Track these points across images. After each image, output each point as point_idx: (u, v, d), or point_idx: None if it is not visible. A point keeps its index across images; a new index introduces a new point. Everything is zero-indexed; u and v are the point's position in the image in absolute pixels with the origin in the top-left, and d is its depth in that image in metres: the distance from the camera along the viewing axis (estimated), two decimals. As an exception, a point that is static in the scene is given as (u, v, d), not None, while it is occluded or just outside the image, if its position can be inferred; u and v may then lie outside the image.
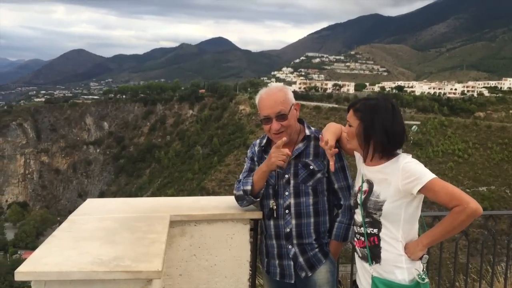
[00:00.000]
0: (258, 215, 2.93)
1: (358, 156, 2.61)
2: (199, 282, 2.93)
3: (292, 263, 2.77)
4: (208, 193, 65.56)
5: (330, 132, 2.74)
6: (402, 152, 2.38)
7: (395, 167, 2.31)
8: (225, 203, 3.06)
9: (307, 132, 2.83)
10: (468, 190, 59.81)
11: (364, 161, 2.44)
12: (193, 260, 2.92)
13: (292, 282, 2.80)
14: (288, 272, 2.79)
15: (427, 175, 2.22)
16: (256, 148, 2.97)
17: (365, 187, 2.43)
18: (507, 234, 4.12)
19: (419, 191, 2.23)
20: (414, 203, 2.31)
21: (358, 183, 2.52)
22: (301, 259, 2.76)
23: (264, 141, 2.90)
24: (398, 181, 2.26)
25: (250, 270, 3.03)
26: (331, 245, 2.79)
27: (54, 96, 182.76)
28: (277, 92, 2.78)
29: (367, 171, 2.45)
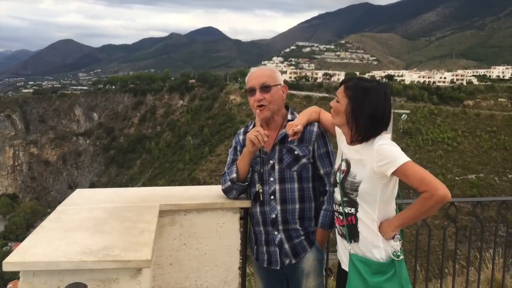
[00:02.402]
0: (248, 204, 2.93)
1: (339, 133, 2.62)
2: (189, 271, 2.93)
3: (277, 249, 2.79)
4: (199, 183, 65.53)
5: (305, 114, 2.78)
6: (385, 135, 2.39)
7: (371, 148, 2.31)
8: (215, 192, 3.06)
9: (289, 117, 2.84)
10: (457, 178, 60.44)
11: (348, 140, 2.45)
12: (183, 249, 2.92)
13: (278, 268, 2.81)
14: (274, 258, 2.81)
15: (401, 159, 2.22)
16: (241, 137, 2.95)
17: (344, 166, 2.44)
18: (494, 221, 4.16)
19: (393, 174, 2.24)
20: (390, 184, 2.33)
21: (337, 161, 2.53)
22: (286, 246, 2.77)
23: (250, 128, 2.88)
24: (373, 163, 2.28)
25: (240, 259, 3.05)
26: (317, 233, 2.80)
27: (43, 87, 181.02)
28: (265, 69, 2.88)
29: (346, 150, 2.46)
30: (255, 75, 2.79)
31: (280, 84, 2.79)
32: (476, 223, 3.88)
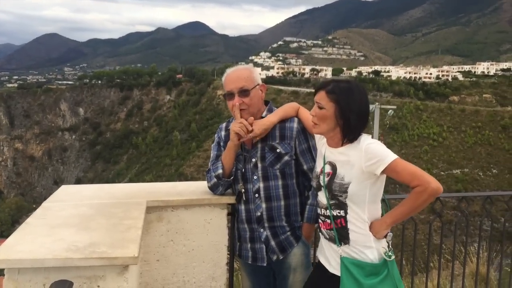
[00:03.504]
0: (235, 199, 2.92)
1: (318, 137, 2.61)
2: (176, 267, 2.93)
3: (264, 246, 2.79)
4: (186, 179, 65.37)
5: (279, 112, 2.77)
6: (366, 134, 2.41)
7: (357, 148, 2.32)
8: (202, 188, 3.04)
9: (264, 114, 2.80)
10: (442, 173, 61.01)
11: (338, 143, 2.42)
12: (170, 245, 2.91)
13: (264, 265, 2.81)
14: (260, 255, 2.81)
15: (390, 156, 2.24)
16: (223, 133, 2.93)
17: (328, 169, 2.43)
18: (479, 216, 4.22)
19: (382, 172, 2.26)
20: (378, 183, 2.34)
21: (319, 165, 2.51)
22: (272, 243, 2.77)
23: (231, 124, 2.85)
24: (361, 163, 2.28)
25: (228, 255, 3.04)
26: (304, 228, 2.80)
27: (27, 82, 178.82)
28: (242, 70, 2.79)
29: (329, 153, 2.45)
30: (233, 78, 2.73)
31: (258, 84, 2.76)
32: (461, 217, 3.92)
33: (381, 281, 2.30)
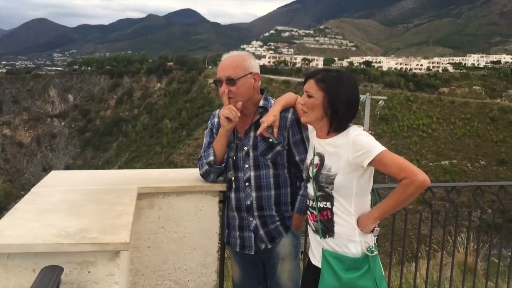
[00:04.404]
0: (226, 187, 2.91)
1: (310, 128, 2.60)
2: (167, 254, 2.92)
3: (252, 235, 2.79)
4: (176, 167, 65.21)
5: (279, 103, 2.72)
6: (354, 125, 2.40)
7: (345, 140, 2.30)
8: (194, 175, 3.03)
9: (261, 103, 2.78)
10: (431, 164, 61.53)
11: (326, 133, 2.41)
12: (161, 232, 2.90)
13: (252, 253, 2.82)
14: (248, 243, 2.81)
15: (377, 148, 2.22)
16: (216, 119, 2.91)
17: (317, 160, 2.42)
18: (467, 206, 4.26)
19: (369, 164, 2.24)
20: (365, 176, 2.32)
21: (309, 156, 2.50)
22: (261, 232, 2.77)
23: (220, 110, 2.83)
24: (349, 154, 2.26)
25: (219, 242, 3.05)
26: (293, 218, 2.80)
27: (16, 67, 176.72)
28: (235, 57, 2.73)
29: (318, 144, 2.44)
30: (223, 65, 2.70)
31: (251, 73, 2.71)
32: (449, 208, 3.95)
33: (361, 276, 2.28)
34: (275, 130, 2.63)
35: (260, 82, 2.81)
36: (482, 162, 63.83)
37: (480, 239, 4.55)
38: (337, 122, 2.33)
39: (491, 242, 4.52)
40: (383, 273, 2.37)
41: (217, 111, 2.96)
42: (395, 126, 69.95)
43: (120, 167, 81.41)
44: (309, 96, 2.35)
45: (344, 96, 2.31)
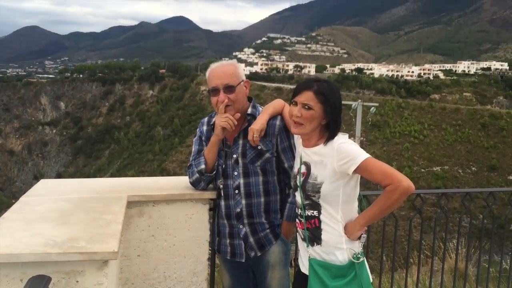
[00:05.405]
0: (216, 195, 2.91)
1: (296, 137, 2.61)
2: (157, 263, 2.91)
3: (242, 242, 2.78)
4: (169, 174, 64.98)
5: (267, 111, 2.72)
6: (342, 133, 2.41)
7: (330, 148, 2.32)
8: (184, 183, 3.02)
9: (249, 111, 2.78)
10: (423, 170, 61.75)
11: (314, 142, 2.41)
12: (151, 240, 2.89)
13: (243, 261, 2.81)
14: (239, 251, 2.80)
15: (361, 155, 2.23)
16: (205, 127, 2.91)
17: (303, 169, 2.43)
18: (458, 212, 4.27)
19: (354, 171, 2.25)
20: (351, 183, 2.33)
21: (296, 165, 2.51)
22: (251, 239, 2.77)
23: (213, 120, 2.81)
24: (334, 163, 2.28)
25: (209, 250, 3.03)
26: (283, 225, 2.80)
27: (7, 75, 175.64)
28: (227, 65, 2.74)
29: (304, 153, 2.45)
30: (218, 73, 2.68)
31: (243, 80, 2.73)
32: (440, 214, 3.97)
33: (347, 283, 2.29)
34: (257, 136, 2.62)
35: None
36: (473, 168, 64.15)
37: (471, 245, 4.58)
38: (336, 131, 2.35)
39: (482, 248, 4.54)
40: (371, 280, 2.38)
41: (206, 119, 2.96)
42: (387, 132, 70.21)
43: (112, 175, 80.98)
44: (309, 108, 2.33)
45: (339, 106, 2.35)
